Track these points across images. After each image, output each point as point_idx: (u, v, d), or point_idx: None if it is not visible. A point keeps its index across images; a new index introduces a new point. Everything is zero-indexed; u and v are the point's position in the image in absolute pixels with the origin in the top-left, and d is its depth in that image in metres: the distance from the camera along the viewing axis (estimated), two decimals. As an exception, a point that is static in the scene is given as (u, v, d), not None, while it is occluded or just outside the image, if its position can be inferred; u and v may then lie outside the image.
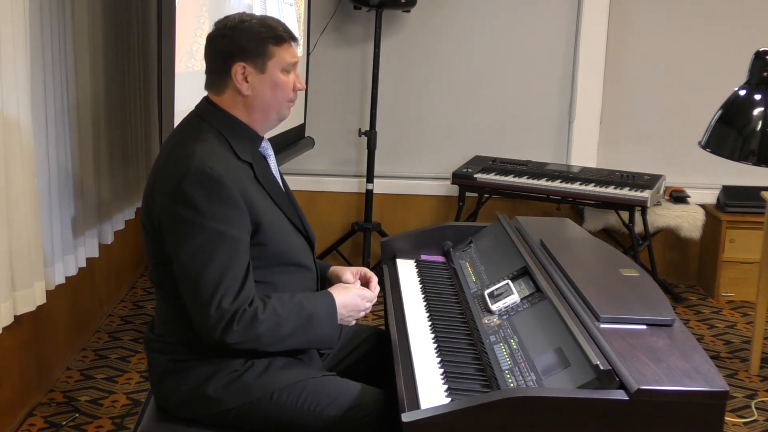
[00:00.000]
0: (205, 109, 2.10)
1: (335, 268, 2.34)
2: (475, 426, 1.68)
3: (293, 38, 2.11)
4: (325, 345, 2.12)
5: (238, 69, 2.04)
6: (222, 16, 2.12)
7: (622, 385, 1.69)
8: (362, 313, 2.19)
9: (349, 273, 2.29)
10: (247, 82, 2.05)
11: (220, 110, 2.08)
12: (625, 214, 4.44)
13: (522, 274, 2.29)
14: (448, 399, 1.80)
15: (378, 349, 2.35)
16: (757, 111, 2.50)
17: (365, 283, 2.28)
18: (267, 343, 1.98)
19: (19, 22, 2.79)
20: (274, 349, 2.01)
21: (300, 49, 4.42)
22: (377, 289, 2.27)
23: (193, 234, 1.93)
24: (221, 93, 2.08)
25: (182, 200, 1.94)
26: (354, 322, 2.20)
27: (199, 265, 1.92)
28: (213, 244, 1.92)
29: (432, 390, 1.84)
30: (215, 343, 1.95)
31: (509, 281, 2.25)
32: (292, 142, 4.39)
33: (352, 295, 2.15)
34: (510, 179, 4.48)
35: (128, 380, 3.52)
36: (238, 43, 2.04)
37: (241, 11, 2.13)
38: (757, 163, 2.49)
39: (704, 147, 2.65)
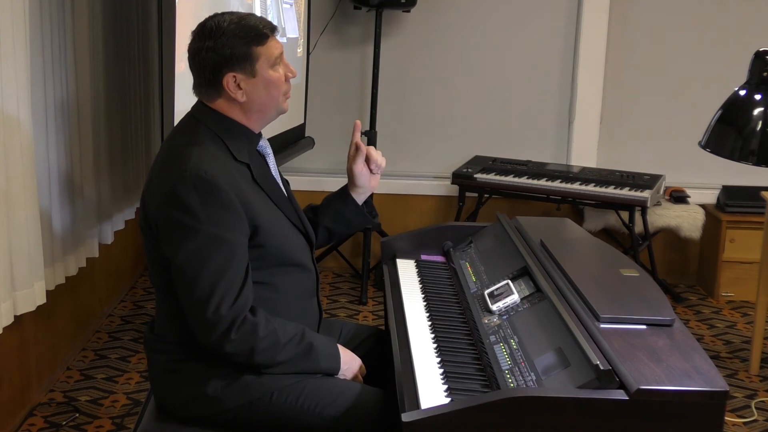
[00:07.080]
0: (201, 111, 2.08)
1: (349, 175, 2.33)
2: (475, 426, 1.68)
3: (273, 30, 2.06)
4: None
5: (229, 80, 2.00)
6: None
7: (622, 385, 1.69)
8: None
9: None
10: (240, 89, 2.02)
11: (215, 112, 2.06)
12: (625, 214, 4.44)
13: (522, 274, 2.29)
14: (448, 399, 1.80)
15: (378, 349, 2.35)
16: (757, 111, 2.50)
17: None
18: (260, 362, 1.98)
19: (19, 22, 2.79)
20: (265, 370, 2.00)
21: (300, 49, 4.42)
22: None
23: (188, 238, 1.92)
24: (214, 100, 2.06)
25: (177, 204, 1.93)
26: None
27: (195, 269, 1.91)
28: (208, 248, 1.91)
29: (432, 390, 1.83)
30: (210, 346, 1.95)
31: (509, 281, 2.25)
32: (291, 142, 4.39)
33: (355, 364, 2.16)
34: (510, 179, 4.47)
35: (128, 380, 3.51)
36: (223, 53, 1.98)
37: (215, 13, 2.05)
38: (757, 163, 2.49)
39: (704, 147, 2.65)
